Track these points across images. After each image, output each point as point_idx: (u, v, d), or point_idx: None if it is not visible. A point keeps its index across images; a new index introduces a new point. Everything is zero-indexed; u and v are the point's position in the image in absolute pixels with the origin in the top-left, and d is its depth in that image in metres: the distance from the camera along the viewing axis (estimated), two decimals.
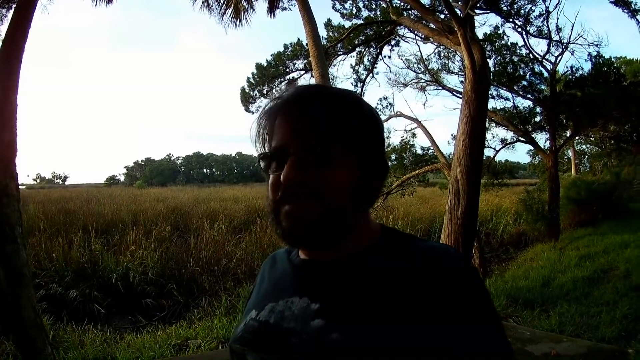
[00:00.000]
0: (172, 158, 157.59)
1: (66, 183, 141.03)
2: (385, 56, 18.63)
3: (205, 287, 10.40)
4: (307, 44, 13.59)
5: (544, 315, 7.64)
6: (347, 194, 1.07)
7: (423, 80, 19.43)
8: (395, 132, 22.91)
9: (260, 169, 1.15)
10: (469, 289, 1.02)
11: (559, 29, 16.60)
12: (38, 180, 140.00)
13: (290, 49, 18.10)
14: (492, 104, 16.31)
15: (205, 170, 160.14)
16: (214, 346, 6.73)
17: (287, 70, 18.49)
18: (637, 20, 13.53)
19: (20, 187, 6.21)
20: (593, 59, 16.99)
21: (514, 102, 17.75)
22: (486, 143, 13.22)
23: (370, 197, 1.16)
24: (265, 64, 18.50)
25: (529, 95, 17.37)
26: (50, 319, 7.71)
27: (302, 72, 18.33)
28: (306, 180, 1.04)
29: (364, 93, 18.16)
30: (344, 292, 1.06)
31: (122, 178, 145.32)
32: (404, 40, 17.64)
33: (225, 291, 9.76)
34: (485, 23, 20.24)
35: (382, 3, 15.91)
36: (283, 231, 1.09)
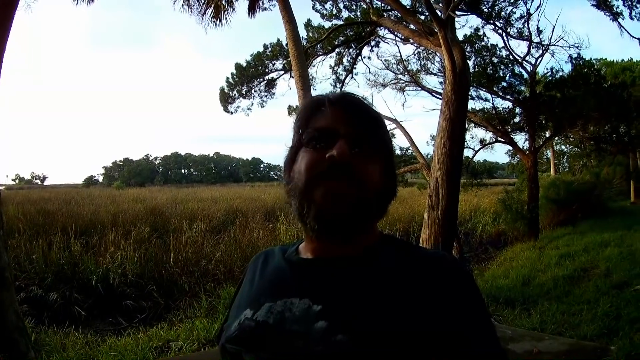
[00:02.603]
0: (150, 158, 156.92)
1: (45, 183, 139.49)
2: (364, 57, 18.77)
3: (185, 288, 10.30)
4: (286, 44, 13.64)
5: (525, 314, 7.69)
6: (380, 188, 1.13)
7: (402, 81, 19.59)
8: None
9: (300, 141, 1.18)
10: (466, 292, 1.07)
11: (539, 31, 16.87)
12: (17, 181, 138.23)
13: (269, 49, 18.11)
14: (471, 104, 16.45)
15: (183, 171, 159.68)
16: (196, 348, 6.69)
17: (267, 70, 18.53)
18: (618, 23, 13.73)
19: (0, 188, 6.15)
20: (573, 61, 17.24)
21: (493, 103, 17.90)
22: (465, 144, 13.29)
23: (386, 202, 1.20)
24: (244, 64, 18.49)
25: (508, 97, 17.53)
26: (32, 322, 7.63)
27: (282, 72, 18.42)
28: (354, 162, 1.07)
29: None
30: (347, 293, 1.07)
31: (100, 178, 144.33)
32: (383, 41, 17.77)
33: (205, 292, 9.68)
34: (465, 24, 20.22)
35: (362, 4, 15.94)
36: (317, 209, 1.09)
